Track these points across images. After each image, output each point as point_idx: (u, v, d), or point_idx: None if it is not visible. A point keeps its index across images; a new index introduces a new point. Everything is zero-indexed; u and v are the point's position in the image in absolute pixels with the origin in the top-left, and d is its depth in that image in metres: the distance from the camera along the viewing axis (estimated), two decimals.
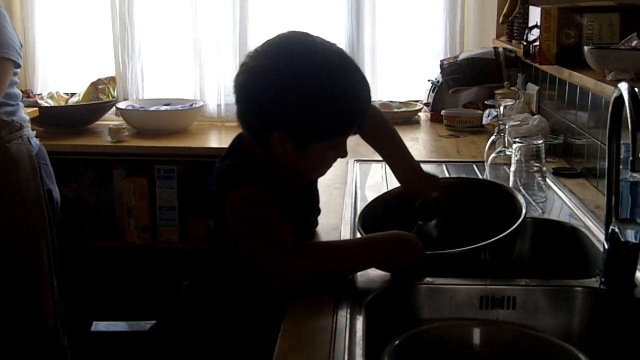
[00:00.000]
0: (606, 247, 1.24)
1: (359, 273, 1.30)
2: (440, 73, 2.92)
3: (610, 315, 1.24)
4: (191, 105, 3.11)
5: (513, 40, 2.70)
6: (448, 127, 2.80)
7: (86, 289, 3.02)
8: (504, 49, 2.76)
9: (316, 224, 1.54)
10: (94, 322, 2.47)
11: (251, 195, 1.26)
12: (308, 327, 1.13)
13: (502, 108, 1.96)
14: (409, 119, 3.02)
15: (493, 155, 1.93)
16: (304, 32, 1.31)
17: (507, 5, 2.66)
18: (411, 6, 3.22)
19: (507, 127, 1.94)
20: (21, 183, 2.23)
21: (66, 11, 3.31)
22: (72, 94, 3.23)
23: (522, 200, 1.43)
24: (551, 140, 2.18)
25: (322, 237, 1.52)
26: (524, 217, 1.37)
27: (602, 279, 1.25)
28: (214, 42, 3.18)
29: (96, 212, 3.06)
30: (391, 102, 3.10)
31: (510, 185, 1.77)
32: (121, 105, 3.11)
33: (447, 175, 2.03)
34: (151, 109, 3.07)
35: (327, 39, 1.31)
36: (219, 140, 2.99)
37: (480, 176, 2.03)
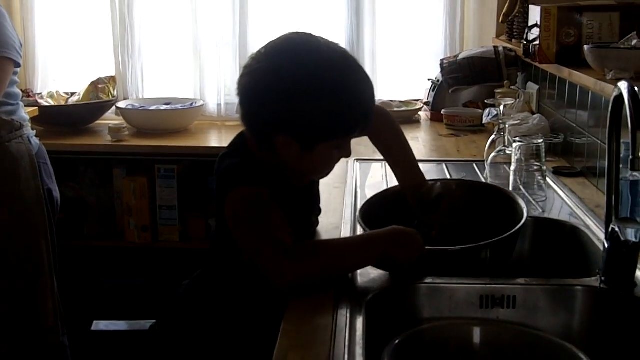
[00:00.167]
0: (606, 246, 1.24)
1: (359, 272, 1.30)
2: (441, 72, 2.92)
3: (611, 314, 1.24)
4: (191, 104, 3.11)
5: (513, 40, 2.70)
6: (448, 127, 2.80)
7: (86, 288, 3.02)
8: (504, 48, 2.76)
9: (317, 223, 1.54)
10: (95, 322, 2.48)
11: (251, 195, 1.26)
12: (308, 327, 1.13)
13: (502, 107, 1.96)
14: (409, 118, 3.02)
15: (493, 154, 1.93)
16: (307, 33, 1.31)
17: (507, 5, 2.66)
18: (411, 6, 3.22)
19: (507, 126, 1.93)
20: (21, 182, 2.23)
21: (66, 10, 3.31)
22: (72, 94, 3.23)
23: (523, 205, 1.42)
24: (551, 139, 2.18)
25: (322, 236, 1.52)
26: (525, 220, 1.37)
27: (602, 278, 1.25)
28: (214, 42, 3.18)
29: (96, 211, 3.06)
30: (391, 101, 3.10)
31: (511, 184, 1.77)
32: (121, 104, 3.10)
33: (448, 176, 2.03)
34: (151, 108, 3.07)
35: (329, 39, 1.31)
36: (219, 139, 2.99)
37: (480, 175, 2.03)
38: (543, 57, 2.15)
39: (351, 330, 1.11)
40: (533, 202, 1.73)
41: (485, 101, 2.28)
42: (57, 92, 3.21)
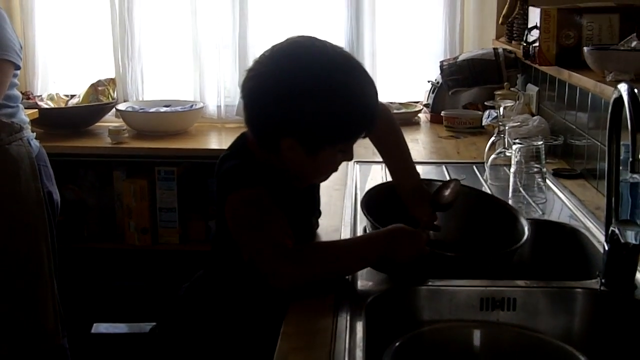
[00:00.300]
0: (606, 248, 1.24)
1: (359, 275, 1.30)
2: (440, 74, 2.92)
3: (611, 316, 1.24)
4: (191, 106, 3.11)
5: (513, 41, 2.70)
6: (448, 128, 2.80)
7: (86, 290, 3.02)
8: (504, 49, 2.76)
9: (317, 225, 1.54)
10: (95, 324, 2.48)
11: (251, 197, 1.26)
12: (308, 329, 1.13)
13: (502, 109, 1.96)
14: (409, 120, 3.02)
15: (493, 156, 1.93)
16: (311, 37, 1.30)
17: (506, 6, 2.66)
18: (411, 7, 3.22)
19: (507, 128, 1.94)
20: (21, 185, 2.23)
21: (66, 13, 3.31)
22: (72, 96, 3.23)
23: (525, 224, 1.42)
24: (551, 141, 2.18)
25: (322, 238, 1.52)
26: (525, 240, 1.38)
27: (602, 280, 1.25)
28: (213, 44, 3.18)
29: (96, 213, 3.06)
30: (391, 103, 3.09)
31: (510, 186, 1.77)
32: (121, 106, 3.11)
33: (448, 177, 2.03)
34: (151, 110, 3.07)
35: (331, 42, 1.31)
36: (219, 141, 2.99)
37: (480, 177, 2.03)
38: (543, 58, 2.15)
39: (351, 332, 1.11)
40: (533, 204, 1.73)
41: (485, 103, 2.28)
42: (57, 94, 3.21)
